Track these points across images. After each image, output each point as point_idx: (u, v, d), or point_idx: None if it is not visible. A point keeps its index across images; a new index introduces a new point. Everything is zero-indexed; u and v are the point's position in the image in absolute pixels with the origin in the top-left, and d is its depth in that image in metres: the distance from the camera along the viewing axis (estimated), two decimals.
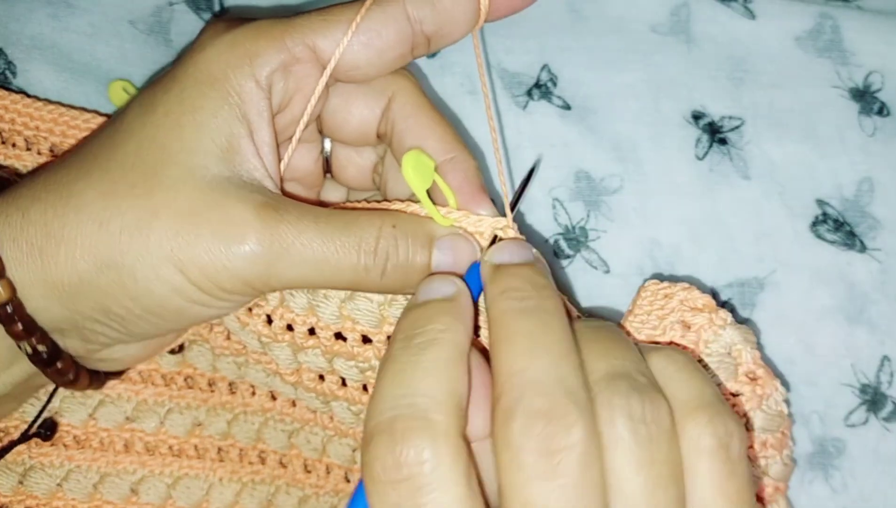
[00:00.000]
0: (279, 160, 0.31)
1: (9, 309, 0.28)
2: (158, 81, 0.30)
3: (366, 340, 0.33)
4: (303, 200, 0.31)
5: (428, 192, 0.30)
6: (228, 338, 0.37)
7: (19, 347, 0.29)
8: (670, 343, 0.32)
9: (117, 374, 0.36)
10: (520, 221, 0.44)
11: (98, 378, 0.33)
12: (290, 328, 0.33)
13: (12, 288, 0.28)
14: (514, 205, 0.33)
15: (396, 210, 0.31)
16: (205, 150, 0.28)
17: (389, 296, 0.32)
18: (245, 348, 0.36)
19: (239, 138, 0.29)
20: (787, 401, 0.33)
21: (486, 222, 0.31)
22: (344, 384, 0.35)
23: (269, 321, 0.33)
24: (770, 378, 0.32)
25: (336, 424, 0.38)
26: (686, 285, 0.33)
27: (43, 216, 0.28)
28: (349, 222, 0.29)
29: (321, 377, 0.35)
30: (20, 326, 0.28)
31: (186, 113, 0.29)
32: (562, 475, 0.22)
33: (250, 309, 0.34)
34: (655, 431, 0.24)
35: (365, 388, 0.35)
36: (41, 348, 0.29)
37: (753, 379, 0.32)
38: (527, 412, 0.23)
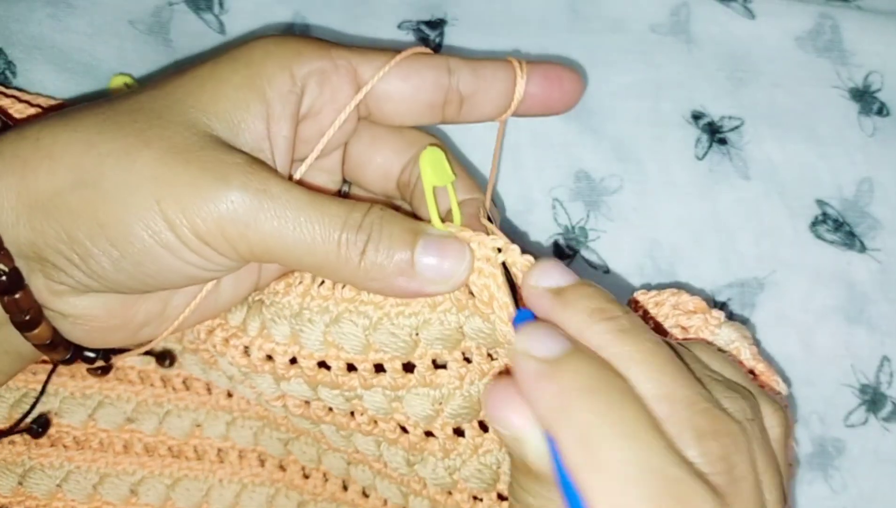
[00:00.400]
0: (291, 160, 0.31)
1: None
2: (201, 59, 0.31)
3: (350, 368, 0.32)
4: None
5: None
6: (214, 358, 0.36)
7: None
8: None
9: (96, 370, 0.35)
10: (520, 221, 0.44)
11: (65, 344, 0.31)
12: (269, 358, 0.32)
13: None
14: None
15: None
16: (216, 114, 0.28)
17: (375, 320, 0.31)
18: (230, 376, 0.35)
19: (253, 117, 0.29)
20: (788, 395, 0.33)
21: (480, 238, 0.29)
22: (331, 410, 0.34)
23: (247, 352, 0.32)
24: (770, 373, 0.32)
25: (328, 440, 0.37)
26: (674, 289, 0.33)
27: (38, 133, 0.28)
28: (337, 199, 0.29)
29: (307, 403, 0.34)
30: None
31: (213, 80, 0.29)
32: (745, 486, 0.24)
33: (226, 340, 0.32)
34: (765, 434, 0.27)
35: (352, 414, 0.34)
36: (2, 267, 0.28)
37: (753, 375, 0.32)
38: (699, 433, 0.24)
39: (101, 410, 0.39)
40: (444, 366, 0.32)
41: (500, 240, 0.29)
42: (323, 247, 0.28)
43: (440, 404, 0.32)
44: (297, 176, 0.31)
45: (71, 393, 0.39)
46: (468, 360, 0.32)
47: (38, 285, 0.29)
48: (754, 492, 0.24)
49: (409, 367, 0.32)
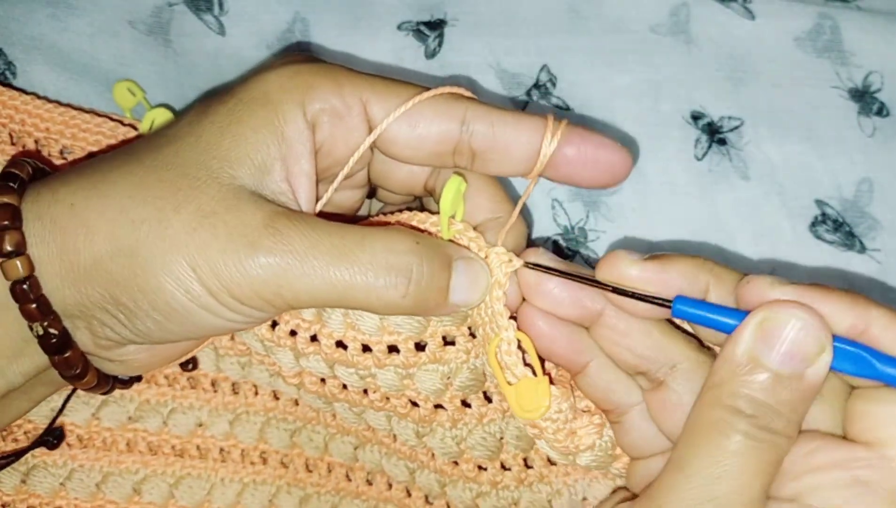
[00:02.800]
0: (316, 195, 0.31)
1: (25, 286, 0.28)
2: (220, 94, 0.31)
3: (365, 349, 0.33)
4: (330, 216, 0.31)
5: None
6: (233, 338, 0.37)
7: (31, 328, 0.29)
8: None
9: (127, 384, 0.36)
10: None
11: (106, 381, 0.33)
12: (293, 333, 0.33)
13: (31, 265, 0.28)
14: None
15: (405, 223, 0.32)
16: (238, 160, 0.29)
17: None
18: (249, 348, 0.36)
19: (273, 159, 0.29)
20: None
21: (485, 249, 0.31)
22: (345, 387, 0.35)
23: (274, 325, 0.33)
24: None
25: (339, 422, 0.38)
26: None
27: (71, 197, 0.29)
28: (365, 239, 0.29)
29: (323, 381, 0.35)
30: (34, 305, 0.28)
31: (232, 124, 0.29)
32: None
33: None
34: None
35: (365, 392, 0.35)
36: (52, 331, 0.29)
37: None
38: None
39: (105, 408, 0.39)
40: (452, 342, 0.33)
41: (500, 249, 0.31)
42: (359, 295, 0.28)
43: (448, 378, 0.34)
44: (320, 204, 0.32)
45: (75, 392, 0.39)
46: (473, 335, 0.33)
47: (85, 339, 0.31)
48: None
49: (419, 347, 0.33)
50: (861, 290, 0.43)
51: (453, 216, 0.32)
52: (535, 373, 0.31)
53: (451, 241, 0.31)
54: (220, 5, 0.46)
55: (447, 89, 0.31)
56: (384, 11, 0.46)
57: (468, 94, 0.31)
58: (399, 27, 0.46)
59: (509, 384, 0.31)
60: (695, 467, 0.26)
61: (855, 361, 0.26)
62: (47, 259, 0.29)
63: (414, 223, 0.32)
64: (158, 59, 0.44)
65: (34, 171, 0.31)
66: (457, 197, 0.31)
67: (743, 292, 0.27)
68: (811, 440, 0.27)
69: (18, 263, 0.28)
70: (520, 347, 0.31)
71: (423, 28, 0.46)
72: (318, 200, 0.32)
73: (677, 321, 0.30)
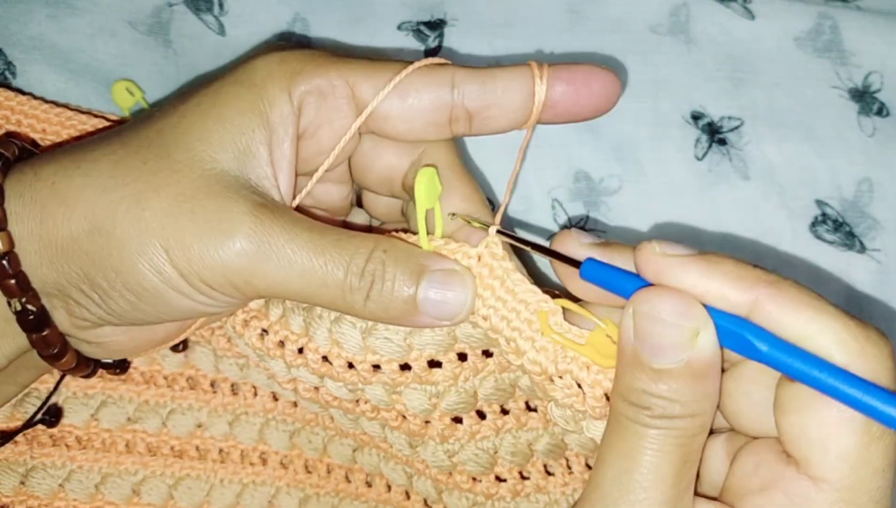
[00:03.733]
0: (295, 181, 0.31)
1: (4, 262, 0.28)
2: (207, 80, 0.31)
3: (350, 366, 0.33)
4: (317, 218, 0.31)
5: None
6: (230, 341, 0.37)
7: (9, 304, 0.29)
8: None
9: (112, 368, 0.35)
10: (521, 220, 0.44)
11: (87, 363, 0.33)
12: (282, 344, 0.33)
13: (11, 242, 0.29)
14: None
15: (394, 236, 0.31)
16: (221, 143, 0.29)
17: (370, 324, 0.31)
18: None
19: (258, 144, 0.29)
20: None
21: (465, 249, 0.30)
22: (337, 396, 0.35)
23: (265, 334, 0.33)
24: None
25: (337, 424, 0.38)
26: None
27: (53, 176, 0.29)
28: (342, 239, 0.29)
29: (316, 388, 0.35)
30: (13, 281, 0.29)
31: (216, 106, 0.29)
32: None
33: (246, 322, 0.33)
34: None
35: (357, 402, 0.35)
36: (30, 307, 0.29)
37: None
38: None
39: (104, 409, 0.39)
40: (439, 364, 0.33)
41: (481, 249, 0.30)
42: (328, 292, 0.28)
43: (436, 398, 0.33)
44: (295, 203, 0.31)
45: (73, 393, 0.39)
46: (462, 358, 0.33)
47: (62, 320, 0.31)
48: None
49: (405, 366, 0.33)
50: (861, 290, 0.43)
51: (431, 210, 0.31)
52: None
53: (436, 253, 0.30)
54: (220, 5, 0.46)
55: (430, 61, 0.31)
56: (384, 11, 0.46)
57: (450, 63, 0.31)
58: (399, 27, 0.46)
59: (581, 345, 0.28)
60: (609, 461, 0.25)
61: (735, 340, 0.24)
62: (27, 236, 0.29)
63: (403, 237, 0.31)
64: (158, 60, 0.44)
65: (21, 151, 0.31)
66: (431, 188, 0.30)
67: (637, 262, 0.26)
68: (756, 454, 0.26)
69: None
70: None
71: (423, 28, 0.46)
72: (300, 190, 0.31)
73: None
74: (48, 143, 0.40)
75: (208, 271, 0.28)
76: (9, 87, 0.42)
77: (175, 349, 0.39)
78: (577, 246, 0.29)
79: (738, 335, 0.24)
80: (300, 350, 0.33)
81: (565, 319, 0.29)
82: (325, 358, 0.32)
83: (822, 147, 0.45)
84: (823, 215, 0.44)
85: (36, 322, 0.30)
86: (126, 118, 0.41)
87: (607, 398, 0.28)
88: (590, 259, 0.27)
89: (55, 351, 0.31)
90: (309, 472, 0.40)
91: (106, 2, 0.45)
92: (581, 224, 0.44)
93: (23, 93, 0.41)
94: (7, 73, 0.43)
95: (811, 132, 0.45)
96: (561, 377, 0.29)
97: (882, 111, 0.45)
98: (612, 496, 0.25)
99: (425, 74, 0.30)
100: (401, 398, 0.33)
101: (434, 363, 0.33)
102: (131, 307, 0.29)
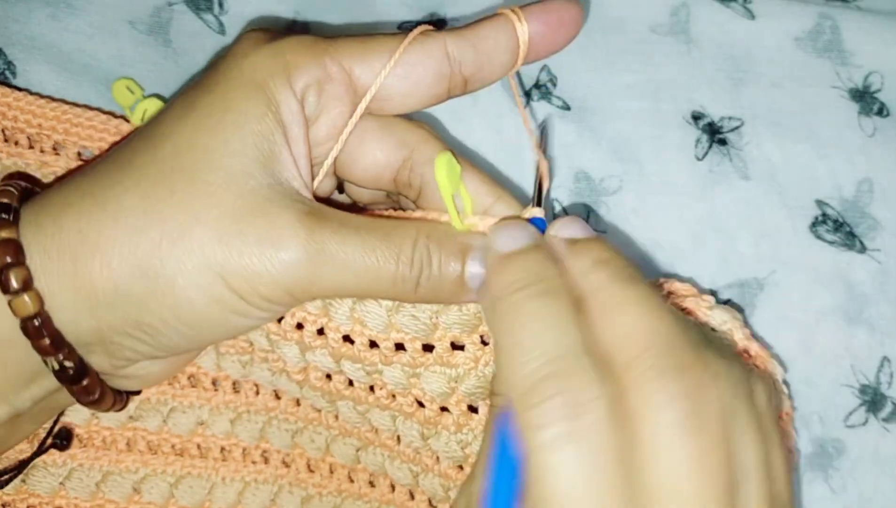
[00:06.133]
0: (311, 173, 0.31)
1: (36, 322, 0.27)
2: (197, 83, 0.30)
3: (372, 345, 0.33)
4: (338, 205, 0.31)
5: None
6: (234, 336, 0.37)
7: (45, 363, 0.28)
8: None
9: (137, 393, 0.36)
10: None
11: (121, 399, 0.33)
12: (300, 326, 0.33)
13: (40, 300, 0.27)
14: (539, 201, 0.33)
15: (428, 220, 0.31)
16: (248, 155, 0.28)
17: (397, 303, 0.32)
18: (252, 346, 0.36)
19: (280, 147, 0.29)
20: (785, 382, 0.33)
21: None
22: (351, 384, 0.35)
23: (280, 318, 0.33)
24: (765, 354, 0.32)
25: (340, 423, 0.38)
26: (662, 278, 0.34)
27: (77, 223, 0.28)
28: (388, 232, 0.29)
29: (328, 377, 0.35)
30: (48, 341, 0.28)
31: (229, 114, 0.28)
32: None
33: None
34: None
35: (371, 389, 0.35)
36: (68, 364, 0.28)
37: (748, 356, 0.32)
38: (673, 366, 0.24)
39: None
40: (461, 347, 0.33)
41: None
42: (381, 285, 0.29)
43: (455, 382, 0.33)
44: (314, 185, 0.31)
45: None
46: (485, 343, 0.33)
47: (101, 362, 0.30)
48: (719, 442, 0.23)
49: (428, 347, 0.33)
50: (861, 290, 0.43)
51: (456, 194, 0.32)
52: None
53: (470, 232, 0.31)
54: (220, 5, 0.46)
55: (419, 30, 0.31)
56: (384, 11, 0.46)
57: (437, 31, 0.32)
58: (399, 27, 0.46)
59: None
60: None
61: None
62: (59, 292, 0.28)
63: (431, 217, 0.32)
64: (158, 59, 0.44)
65: (22, 191, 0.30)
66: (451, 171, 0.30)
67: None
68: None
69: (27, 299, 0.27)
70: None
71: None
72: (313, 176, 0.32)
73: None
74: (44, 137, 0.40)
75: (267, 287, 0.28)
76: (9, 86, 0.42)
77: None
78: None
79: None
80: (320, 331, 0.33)
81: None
82: (346, 338, 0.33)
83: (823, 147, 0.45)
84: (824, 215, 0.44)
85: (75, 376, 0.29)
86: (126, 117, 0.41)
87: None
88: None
89: (95, 397, 0.30)
90: (311, 471, 0.40)
91: (106, 2, 0.45)
92: None
93: (19, 90, 0.41)
94: (7, 72, 0.43)
95: (811, 132, 0.45)
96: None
97: (882, 111, 0.45)
98: None
99: (419, 48, 0.30)
100: (419, 381, 0.34)
101: (456, 348, 0.33)
102: (185, 339, 0.29)
